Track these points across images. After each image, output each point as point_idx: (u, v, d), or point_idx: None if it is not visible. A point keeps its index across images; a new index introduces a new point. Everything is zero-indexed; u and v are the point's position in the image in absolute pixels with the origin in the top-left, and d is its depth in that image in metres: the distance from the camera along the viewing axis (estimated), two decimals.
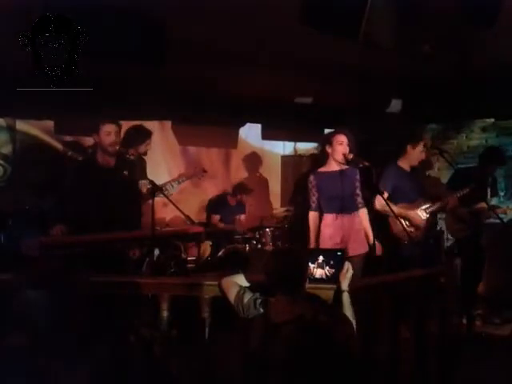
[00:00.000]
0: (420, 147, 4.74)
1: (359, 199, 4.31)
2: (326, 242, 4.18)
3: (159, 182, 4.75)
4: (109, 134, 4.04)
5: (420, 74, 5.31)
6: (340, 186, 4.24)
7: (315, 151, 7.10)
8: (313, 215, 4.32)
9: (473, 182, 4.82)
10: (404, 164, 4.78)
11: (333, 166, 4.29)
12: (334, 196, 4.23)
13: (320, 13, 3.14)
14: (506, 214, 5.11)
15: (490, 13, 3.34)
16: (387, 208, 4.18)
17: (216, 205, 6.44)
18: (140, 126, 5.18)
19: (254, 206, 6.96)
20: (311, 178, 4.34)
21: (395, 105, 6.20)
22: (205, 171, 5.56)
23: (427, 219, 4.72)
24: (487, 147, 5.98)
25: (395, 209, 4.53)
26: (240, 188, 6.50)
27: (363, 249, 4.25)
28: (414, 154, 4.74)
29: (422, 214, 4.69)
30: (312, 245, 4.23)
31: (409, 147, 4.75)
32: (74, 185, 4.07)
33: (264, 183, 7.75)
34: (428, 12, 3.36)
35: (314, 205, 4.32)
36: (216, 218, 6.34)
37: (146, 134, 5.05)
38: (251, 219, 6.69)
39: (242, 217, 6.59)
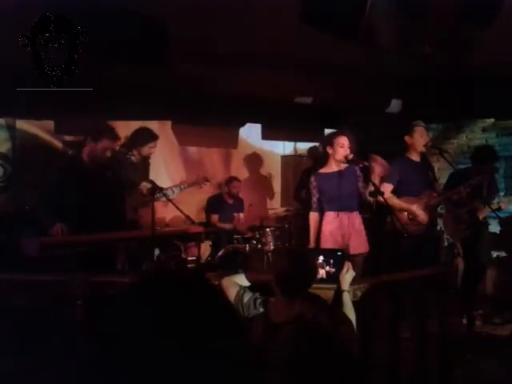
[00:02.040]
0: (417, 133, 4.73)
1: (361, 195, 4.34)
2: (327, 239, 4.21)
3: (159, 183, 4.76)
4: (104, 150, 4.12)
5: (420, 74, 5.30)
6: (340, 186, 4.26)
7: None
8: (313, 216, 4.38)
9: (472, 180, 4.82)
10: (412, 155, 4.77)
11: (332, 167, 4.31)
12: (334, 196, 4.26)
13: (320, 13, 3.13)
14: (501, 208, 5.09)
15: (490, 13, 3.33)
16: (389, 202, 4.22)
17: (214, 204, 6.44)
18: (147, 128, 5.17)
19: (254, 206, 6.96)
20: (312, 179, 4.39)
21: (395, 105, 6.19)
22: (207, 180, 5.55)
23: (430, 213, 4.72)
24: (476, 147, 5.91)
25: (397, 202, 4.55)
26: (231, 179, 6.50)
27: (363, 248, 4.27)
28: (415, 141, 4.73)
29: (426, 207, 4.68)
30: (312, 244, 4.27)
31: (407, 138, 4.75)
32: (59, 181, 4.10)
33: (264, 183, 7.75)
34: (428, 12, 3.36)
35: (314, 205, 4.38)
36: (215, 217, 6.35)
37: (151, 137, 5.03)
38: (251, 219, 6.69)
39: (241, 215, 6.59)
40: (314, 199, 4.36)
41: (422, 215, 4.62)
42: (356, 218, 4.31)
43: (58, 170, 4.27)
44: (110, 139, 4.14)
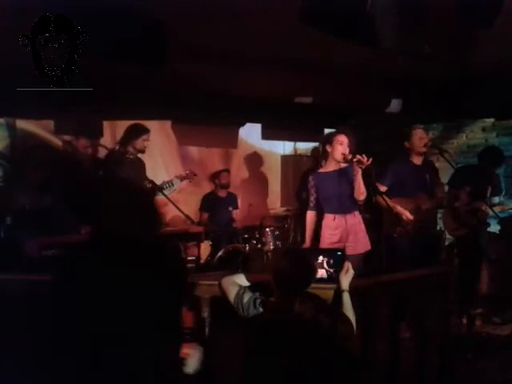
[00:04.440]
0: (415, 136, 4.77)
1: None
2: (325, 242, 4.19)
3: (158, 183, 4.76)
4: (84, 147, 4.40)
5: (420, 74, 5.31)
6: (337, 186, 4.24)
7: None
8: (310, 214, 4.37)
9: (474, 179, 4.85)
10: (413, 158, 4.82)
11: (332, 166, 4.30)
12: (331, 196, 4.25)
13: (320, 13, 3.13)
14: (503, 210, 5.12)
15: (490, 13, 3.33)
16: (384, 201, 4.24)
17: (206, 201, 6.38)
18: (137, 123, 5.16)
19: (254, 206, 6.96)
20: (310, 178, 4.40)
21: (395, 105, 6.20)
22: (195, 174, 5.52)
23: (421, 214, 4.73)
24: (487, 146, 5.99)
25: (390, 202, 4.57)
26: (220, 171, 6.49)
27: (363, 248, 4.25)
28: (414, 143, 4.76)
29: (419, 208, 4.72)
30: (307, 244, 4.26)
31: (406, 144, 4.81)
32: (69, 181, 4.21)
33: (264, 183, 7.75)
34: (428, 12, 3.36)
35: (311, 204, 4.37)
36: (204, 215, 6.28)
37: (143, 130, 5.01)
38: (251, 219, 6.68)
39: (235, 212, 6.53)
40: (312, 198, 4.35)
41: (406, 214, 4.63)
42: (355, 217, 4.29)
43: (61, 169, 4.39)
44: (88, 137, 4.22)
